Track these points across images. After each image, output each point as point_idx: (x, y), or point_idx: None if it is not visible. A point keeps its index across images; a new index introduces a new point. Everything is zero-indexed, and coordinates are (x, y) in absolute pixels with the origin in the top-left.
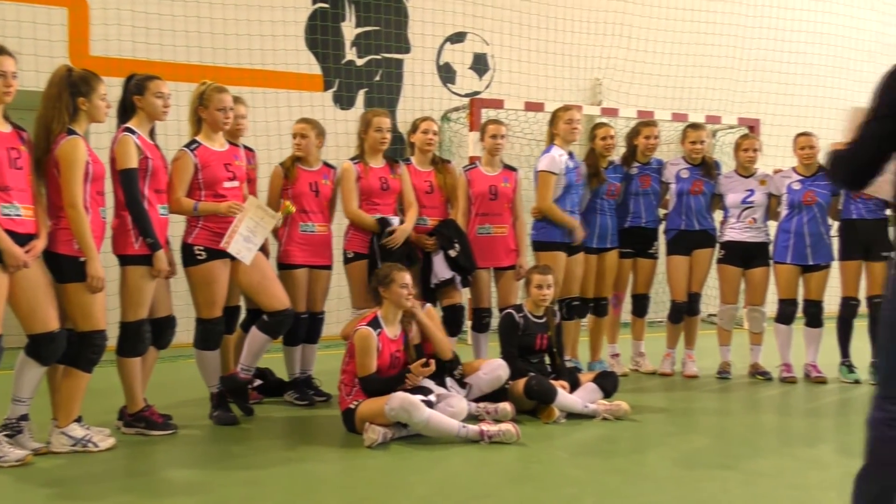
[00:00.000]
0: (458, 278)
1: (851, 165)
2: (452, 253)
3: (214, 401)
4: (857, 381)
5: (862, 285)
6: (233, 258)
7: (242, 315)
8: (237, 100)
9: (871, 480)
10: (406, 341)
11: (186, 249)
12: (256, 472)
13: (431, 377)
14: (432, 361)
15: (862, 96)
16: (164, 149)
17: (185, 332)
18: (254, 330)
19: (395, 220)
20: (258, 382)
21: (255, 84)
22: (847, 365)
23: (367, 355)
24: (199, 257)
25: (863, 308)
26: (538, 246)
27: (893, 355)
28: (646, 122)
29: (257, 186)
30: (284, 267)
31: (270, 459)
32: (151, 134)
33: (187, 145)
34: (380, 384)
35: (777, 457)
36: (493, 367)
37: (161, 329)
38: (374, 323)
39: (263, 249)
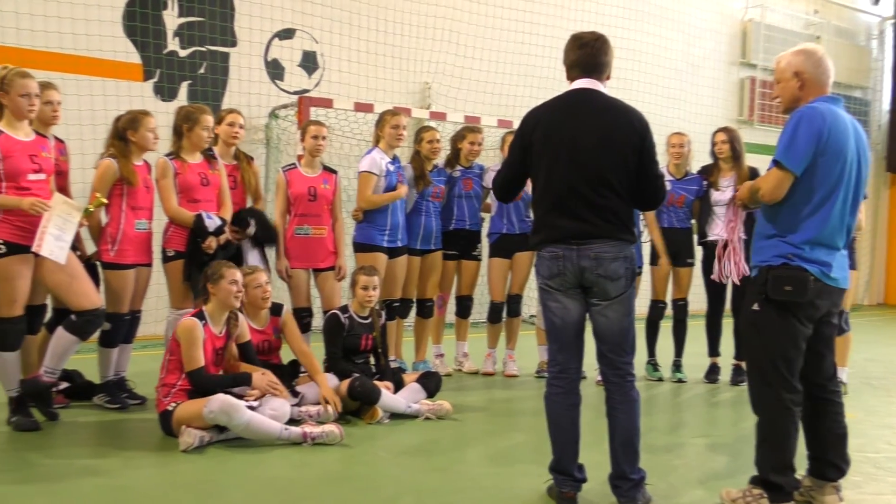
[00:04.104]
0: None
1: (498, 184)
2: (251, 231)
3: (13, 405)
4: (660, 379)
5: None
6: (37, 255)
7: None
8: (49, 85)
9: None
10: (229, 342)
11: None
12: (58, 482)
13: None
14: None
15: (670, 111)
16: None
17: None
18: (60, 330)
19: (215, 218)
20: (64, 385)
21: (65, 70)
22: (652, 363)
23: (193, 346)
24: None
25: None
26: (358, 247)
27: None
28: (471, 127)
29: (69, 179)
30: (117, 267)
31: (75, 468)
32: None
33: None
34: (213, 384)
35: (589, 451)
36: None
37: None
38: (199, 315)
39: (74, 247)
